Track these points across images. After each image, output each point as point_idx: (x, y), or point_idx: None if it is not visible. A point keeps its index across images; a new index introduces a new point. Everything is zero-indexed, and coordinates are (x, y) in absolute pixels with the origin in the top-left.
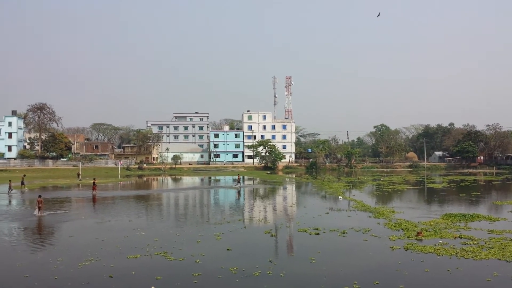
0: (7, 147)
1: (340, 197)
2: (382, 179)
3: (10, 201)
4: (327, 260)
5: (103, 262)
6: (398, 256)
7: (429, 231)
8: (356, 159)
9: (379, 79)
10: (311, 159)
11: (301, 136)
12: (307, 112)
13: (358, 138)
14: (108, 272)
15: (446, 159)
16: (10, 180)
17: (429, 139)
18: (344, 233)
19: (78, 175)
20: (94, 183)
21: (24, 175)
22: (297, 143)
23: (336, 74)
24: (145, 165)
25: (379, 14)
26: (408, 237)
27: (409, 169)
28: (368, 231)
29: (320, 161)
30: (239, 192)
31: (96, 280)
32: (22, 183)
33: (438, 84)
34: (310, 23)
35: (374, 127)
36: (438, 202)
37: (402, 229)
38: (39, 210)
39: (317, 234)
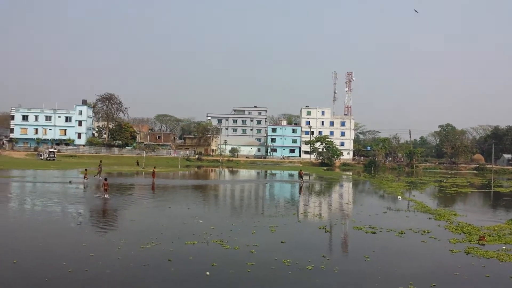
0: (77, 134)
1: (399, 197)
2: (445, 181)
3: (84, 187)
4: (382, 260)
5: (163, 246)
6: (457, 260)
7: (492, 236)
8: (418, 159)
9: (445, 77)
10: (370, 157)
11: (360, 133)
12: (367, 109)
13: (421, 138)
14: (167, 256)
15: None
16: (86, 170)
17: (498, 141)
18: (401, 233)
19: (137, 163)
20: (153, 172)
21: (101, 161)
22: (356, 140)
23: (399, 71)
24: (201, 156)
25: (416, 11)
26: (470, 241)
27: (475, 171)
28: (428, 232)
29: (380, 160)
30: (301, 187)
31: (156, 263)
32: (100, 169)
33: (510, 83)
34: (370, 21)
35: (439, 126)
36: (504, 207)
37: (463, 232)
38: (105, 192)
39: (374, 233)
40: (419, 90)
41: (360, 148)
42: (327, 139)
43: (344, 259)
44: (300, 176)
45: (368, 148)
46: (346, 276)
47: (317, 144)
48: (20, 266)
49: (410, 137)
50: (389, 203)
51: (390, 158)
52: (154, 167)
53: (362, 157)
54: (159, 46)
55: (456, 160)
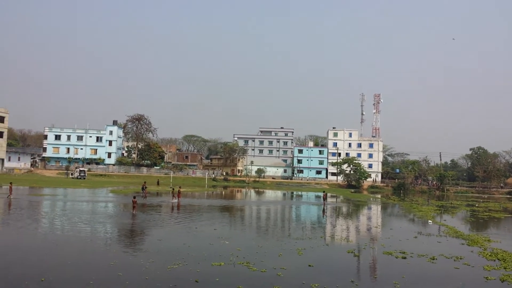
0: (107, 154)
1: (430, 221)
2: (477, 205)
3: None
4: (414, 286)
5: (190, 267)
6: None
7: None
8: (449, 182)
9: (476, 99)
10: (398, 180)
11: (388, 155)
12: (396, 131)
13: (452, 161)
14: (194, 277)
15: None
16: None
17: None
18: (433, 259)
19: (158, 182)
20: (179, 191)
21: (145, 182)
22: (384, 163)
23: (429, 93)
24: (227, 176)
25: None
26: (505, 268)
27: (508, 196)
28: (461, 259)
29: (409, 183)
30: (324, 211)
31: (183, 284)
32: (143, 188)
33: None
34: (398, 42)
35: (470, 149)
36: None
37: (498, 259)
38: (133, 209)
39: (404, 258)
40: (449, 112)
41: (388, 171)
42: (354, 161)
43: (373, 284)
44: (324, 198)
45: (397, 170)
46: None
47: (344, 166)
48: (48, 283)
49: (441, 160)
50: (420, 228)
51: (420, 181)
52: (180, 187)
53: (390, 180)
54: (188, 68)
55: (488, 184)
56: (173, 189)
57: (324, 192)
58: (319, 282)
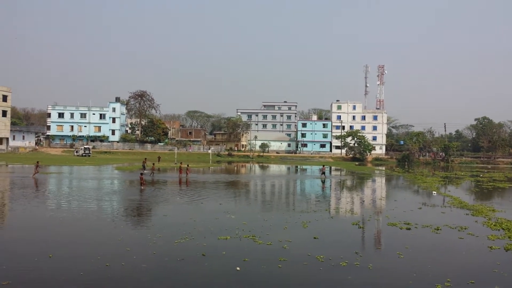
0: (111, 131)
1: (434, 192)
2: (481, 175)
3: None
4: (417, 256)
5: (196, 241)
6: (496, 257)
7: None
8: (453, 153)
9: (481, 68)
10: (403, 152)
11: (393, 127)
12: (400, 103)
13: (457, 131)
14: (201, 251)
15: None
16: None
17: None
18: (437, 229)
19: (159, 158)
20: (180, 167)
21: (145, 159)
22: (389, 135)
23: (432, 63)
24: (231, 151)
25: None
26: (510, 238)
27: None
28: (465, 229)
29: (413, 154)
30: (323, 182)
31: (190, 258)
32: (143, 165)
33: None
34: (400, 15)
35: (475, 119)
36: None
37: (503, 228)
38: (141, 185)
39: (408, 229)
40: (453, 82)
41: (393, 143)
42: (358, 134)
43: (377, 255)
44: (323, 172)
45: (402, 142)
46: (381, 273)
47: (349, 139)
48: (56, 260)
49: (445, 130)
50: (424, 199)
51: (424, 153)
52: (181, 163)
53: (395, 152)
54: (188, 44)
55: (493, 154)
56: (181, 163)
57: (323, 165)
58: (324, 254)
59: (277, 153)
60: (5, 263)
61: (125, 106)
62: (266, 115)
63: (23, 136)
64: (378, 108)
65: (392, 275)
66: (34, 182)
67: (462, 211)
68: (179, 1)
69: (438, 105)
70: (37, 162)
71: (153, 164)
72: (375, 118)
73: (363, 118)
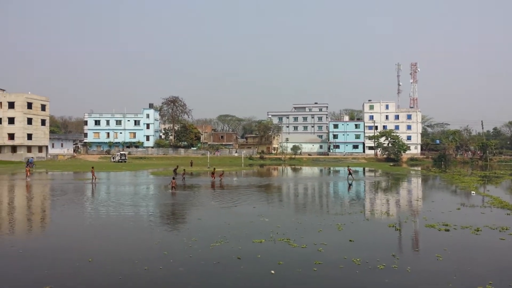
0: (145, 137)
1: (473, 192)
2: None
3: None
4: (457, 258)
5: (231, 245)
6: None
7: None
8: (492, 151)
9: None
10: (439, 151)
11: (428, 126)
12: (435, 101)
13: (495, 129)
14: (236, 254)
15: None
16: (176, 166)
17: None
18: (477, 230)
19: (191, 163)
20: (213, 172)
21: (177, 166)
22: (424, 134)
23: (468, 59)
24: (263, 154)
25: None
26: None
27: None
28: (506, 229)
29: (450, 153)
30: (350, 184)
31: (226, 261)
32: (175, 171)
33: None
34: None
35: None
36: None
37: None
38: (172, 189)
39: (447, 230)
40: (489, 78)
41: (428, 142)
42: (392, 134)
43: (415, 258)
44: (350, 173)
45: (437, 141)
46: (420, 276)
47: (382, 139)
48: (95, 264)
49: (483, 128)
50: (463, 199)
51: (461, 152)
52: (214, 168)
53: (430, 151)
54: (219, 48)
55: None
56: (214, 169)
57: (348, 166)
58: (360, 257)
59: (309, 155)
60: (47, 268)
61: (159, 112)
62: (297, 117)
63: (62, 144)
64: (412, 107)
65: (431, 278)
66: (92, 187)
67: (502, 211)
68: (212, 8)
69: (474, 102)
70: (92, 168)
71: (184, 169)
72: (409, 117)
73: (397, 117)
